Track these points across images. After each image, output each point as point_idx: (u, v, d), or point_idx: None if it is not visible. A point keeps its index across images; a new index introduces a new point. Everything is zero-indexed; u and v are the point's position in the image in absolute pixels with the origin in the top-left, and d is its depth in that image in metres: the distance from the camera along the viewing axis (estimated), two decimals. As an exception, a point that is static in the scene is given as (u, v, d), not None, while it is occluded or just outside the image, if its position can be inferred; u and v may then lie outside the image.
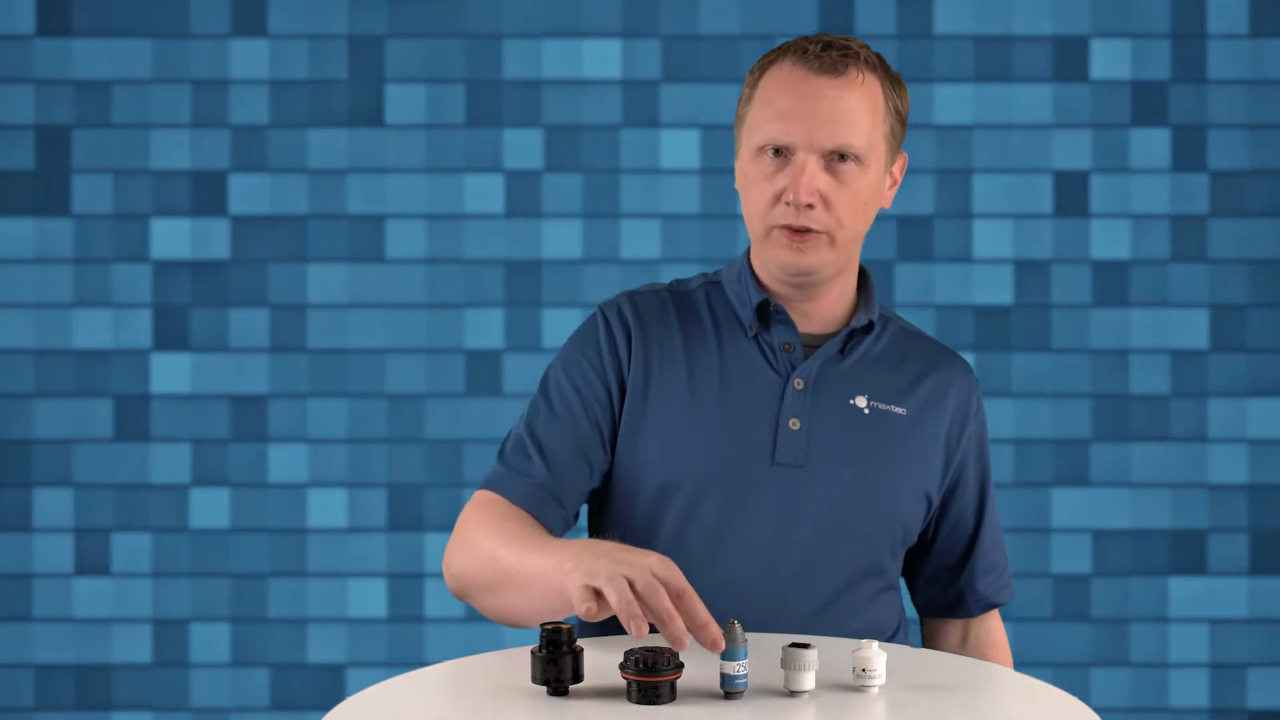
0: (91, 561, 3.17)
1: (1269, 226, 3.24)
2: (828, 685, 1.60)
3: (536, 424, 1.94)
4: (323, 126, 3.18)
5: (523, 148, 3.18)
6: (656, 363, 1.94)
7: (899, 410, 1.95)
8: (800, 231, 1.88)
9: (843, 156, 1.87)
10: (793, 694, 1.57)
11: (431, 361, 3.19)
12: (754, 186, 1.90)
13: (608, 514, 1.97)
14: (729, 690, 1.55)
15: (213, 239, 3.18)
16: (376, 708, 1.56)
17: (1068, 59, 3.22)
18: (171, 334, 3.18)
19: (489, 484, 1.92)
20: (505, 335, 3.19)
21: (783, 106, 1.88)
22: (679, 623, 1.56)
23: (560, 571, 1.70)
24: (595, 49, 3.18)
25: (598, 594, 1.60)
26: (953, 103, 3.21)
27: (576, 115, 3.19)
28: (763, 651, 1.72)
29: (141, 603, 3.17)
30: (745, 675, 1.55)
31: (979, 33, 3.21)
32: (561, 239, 3.18)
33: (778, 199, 1.88)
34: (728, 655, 1.54)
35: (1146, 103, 3.22)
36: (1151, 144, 3.23)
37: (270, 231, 3.18)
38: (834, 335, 1.97)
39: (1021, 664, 2.22)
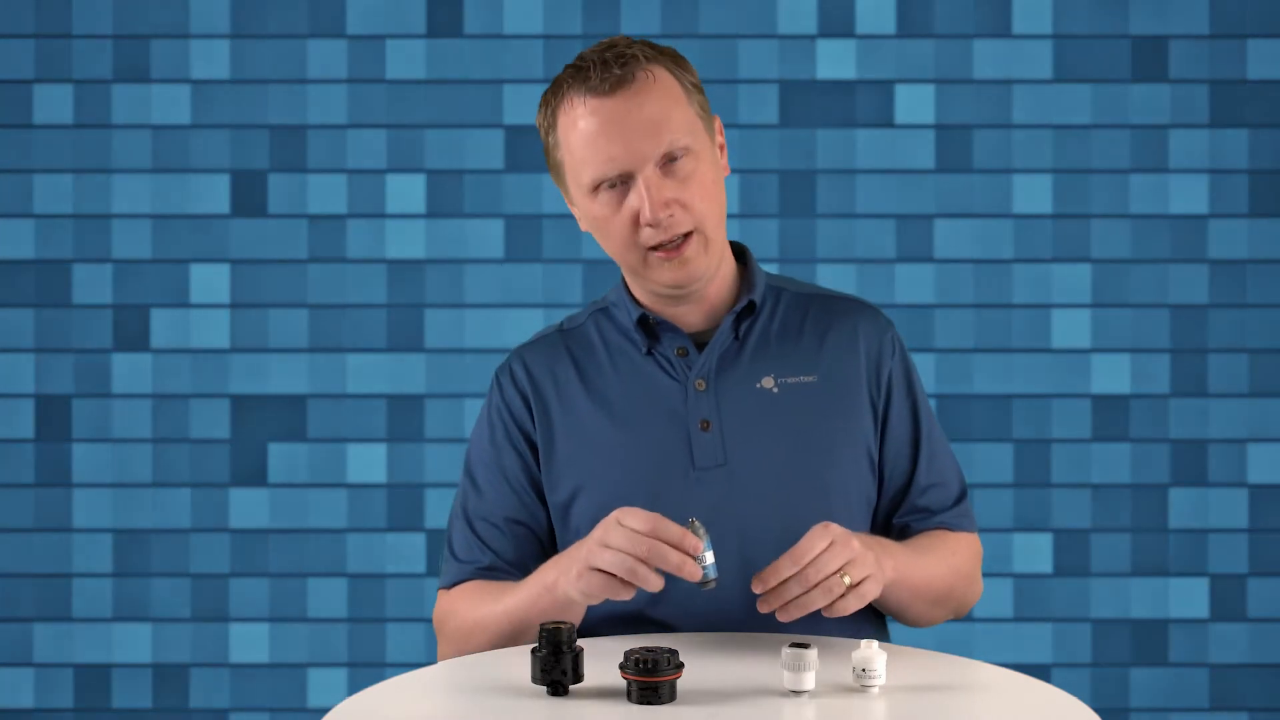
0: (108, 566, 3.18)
1: None
2: (828, 685, 1.61)
3: (469, 507, 1.98)
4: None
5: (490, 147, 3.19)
6: (558, 409, 1.95)
7: (808, 379, 1.93)
8: (673, 247, 1.86)
9: (673, 157, 1.85)
10: (793, 694, 1.57)
11: (435, 360, 3.19)
12: (607, 223, 1.88)
13: (551, 554, 1.96)
14: (703, 581, 1.66)
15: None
16: (376, 708, 1.57)
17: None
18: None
19: (445, 581, 1.97)
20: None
21: (594, 141, 1.85)
22: (672, 555, 1.64)
23: (545, 586, 1.78)
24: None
25: (598, 574, 1.68)
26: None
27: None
28: (763, 651, 1.72)
29: (144, 602, 3.17)
30: (713, 564, 1.67)
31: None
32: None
33: (636, 223, 1.86)
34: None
35: None
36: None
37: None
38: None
39: None
